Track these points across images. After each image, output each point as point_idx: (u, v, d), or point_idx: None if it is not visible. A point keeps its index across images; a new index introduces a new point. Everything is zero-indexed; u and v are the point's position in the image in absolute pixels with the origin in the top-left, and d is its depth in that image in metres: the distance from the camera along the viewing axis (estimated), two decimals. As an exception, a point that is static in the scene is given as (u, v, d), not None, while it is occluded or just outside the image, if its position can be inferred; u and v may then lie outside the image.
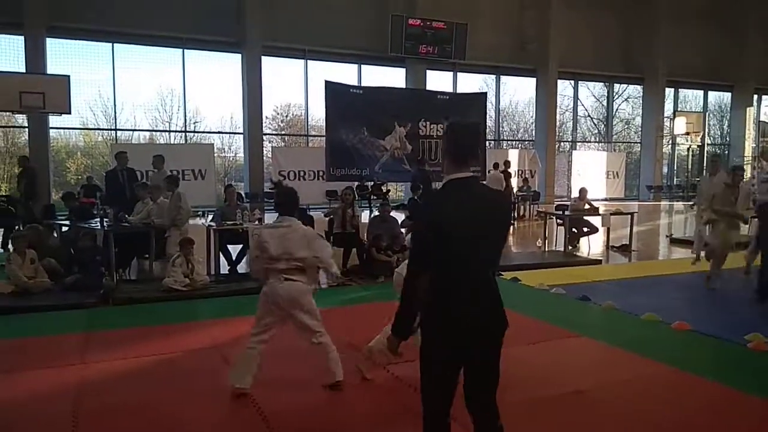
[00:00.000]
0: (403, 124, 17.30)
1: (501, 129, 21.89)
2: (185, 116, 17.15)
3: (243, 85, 16.55)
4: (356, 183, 16.60)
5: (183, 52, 16.25)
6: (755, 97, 25.09)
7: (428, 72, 18.62)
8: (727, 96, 25.35)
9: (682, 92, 24.75)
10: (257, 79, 16.31)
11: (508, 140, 22.75)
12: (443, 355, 2.46)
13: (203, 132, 18.32)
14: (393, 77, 18.82)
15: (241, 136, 17.34)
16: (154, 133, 18.39)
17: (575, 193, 13.93)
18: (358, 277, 8.24)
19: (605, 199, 20.18)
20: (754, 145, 23.67)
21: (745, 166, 15.75)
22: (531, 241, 11.77)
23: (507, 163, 16.45)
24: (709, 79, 23.66)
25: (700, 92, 25.06)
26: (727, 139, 25.77)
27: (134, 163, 10.32)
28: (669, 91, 23.50)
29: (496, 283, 2.55)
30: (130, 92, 16.52)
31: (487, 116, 19.12)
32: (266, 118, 18.16)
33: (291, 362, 4.73)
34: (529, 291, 7.44)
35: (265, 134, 17.83)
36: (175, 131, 18.22)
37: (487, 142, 19.11)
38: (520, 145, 22.27)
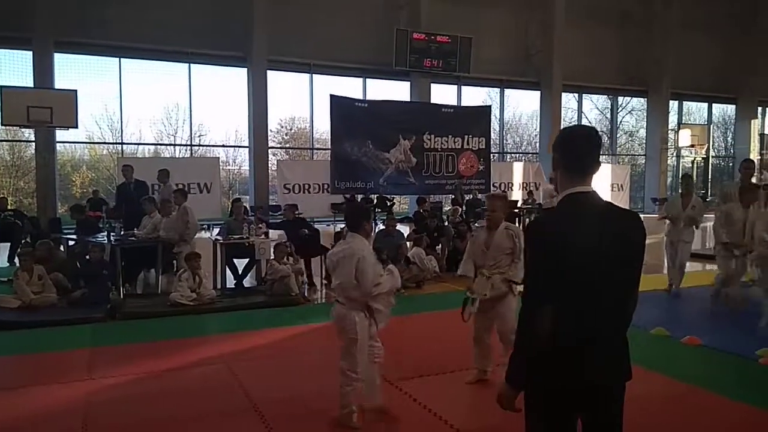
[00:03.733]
0: (408, 137, 17.39)
1: (505, 142, 21.91)
2: (191, 130, 17.22)
3: (248, 99, 16.58)
4: (361, 195, 16.63)
5: (189, 66, 16.31)
6: (759, 109, 25.11)
7: (433, 85, 18.64)
8: (731, 108, 25.39)
9: (686, 105, 24.77)
10: (263, 92, 16.34)
11: (512, 153, 22.76)
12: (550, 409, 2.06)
13: (208, 145, 18.38)
14: (398, 91, 18.86)
15: (246, 149, 17.39)
16: (159, 146, 18.47)
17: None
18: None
19: (610, 212, 20.09)
20: (759, 157, 23.62)
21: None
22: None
23: None
24: (713, 92, 23.71)
25: (705, 105, 25.09)
26: (732, 151, 25.77)
27: (140, 176, 10.37)
28: (673, 104, 23.52)
29: (625, 340, 2.16)
30: (135, 106, 16.61)
31: (491, 129, 19.21)
32: (271, 131, 18.19)
33: (301, 380, 4.72)
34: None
35: (271, 147, 17.85)
36: (181, 145, 18.30)
37: (492, 155, 19.13)
38: (524, 158, 22.25)
